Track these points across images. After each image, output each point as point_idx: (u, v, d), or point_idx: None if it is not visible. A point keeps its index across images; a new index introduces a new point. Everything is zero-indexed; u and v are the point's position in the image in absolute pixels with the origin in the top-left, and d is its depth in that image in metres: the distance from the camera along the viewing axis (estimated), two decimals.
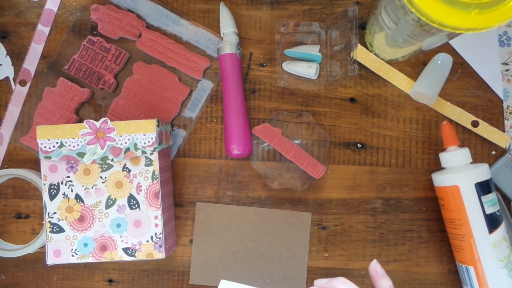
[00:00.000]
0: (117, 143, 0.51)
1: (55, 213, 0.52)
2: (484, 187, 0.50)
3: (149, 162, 0.52)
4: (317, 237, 0.57)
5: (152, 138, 0.51)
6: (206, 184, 0.58)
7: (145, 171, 0.52)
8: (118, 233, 0.52)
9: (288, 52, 0.57)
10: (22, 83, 0.59)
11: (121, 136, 0.51)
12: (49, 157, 0.52)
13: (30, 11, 0.59)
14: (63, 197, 0.52)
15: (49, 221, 0.52)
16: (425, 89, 0.55)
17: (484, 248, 0.50)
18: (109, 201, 0.52)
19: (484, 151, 0.57)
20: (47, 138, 0.52)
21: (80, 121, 0.58)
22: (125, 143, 0.51)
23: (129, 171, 0.52)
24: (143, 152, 0.51)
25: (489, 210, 0.50)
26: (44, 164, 0.52)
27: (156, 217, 0.52)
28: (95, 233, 0.52)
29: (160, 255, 0.52)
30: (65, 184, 0.52)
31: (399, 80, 0.57)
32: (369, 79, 0.57)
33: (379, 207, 0.57)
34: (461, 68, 0.57)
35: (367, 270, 0.57)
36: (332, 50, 0.56)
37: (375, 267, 0.42)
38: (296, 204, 0.57)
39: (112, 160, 0.51)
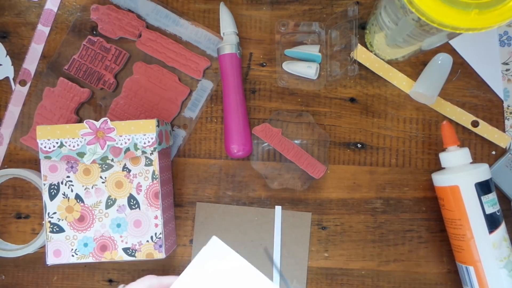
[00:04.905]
0: (117, 143, 0.51)
1: (55, 213, 0.52)
2: (484, 187, 0.50)
3: (149, 162, 0.52)
4: (317, 237, 0.57)
5: (152, 138, 0.51)
6: (206, 184, 0.58)
7: (145, 171, 0.52)
8: (118, 233, 0.52)
9: (288, 52, 0.57)
10: (22, 83, 0.59)
11: (121, 136, 0.51)
12: (49, 157, 0.52)
13: (30, 11, 0.59)
14: (63, 197, 0.52)
15: (49, 221, 0.52)
16: (425, 89, 0.55)
17: (484, 248, 0.50)
18: (109, 201, 0.52)
19: (484, 151, 0.57)
20: (47, 138, 0.52)
21: (80, 121, 0.58)
22: (125, 143, 0.51)
23: (129, 171, 0.52)
24: (143, 152, 0.51)
25: (489, 210, 0.50)
26: (44, 164, 0.52)
27: (156, 217, 0.52)
28: (95, 233, 0.52)
29: (160, 255, 0.52)
30: (65, 184, 0.52)
31: (399, 80, 0.57)
32: (369, 79, 0.57)
33: (379, 207, 0.57)
34: (461, 68, 0.57)
35: (367, 270, 0.57)
36: (332, 50, 0.56)
37: None
38: (296, 204, 0.57)
39: (112, 160, 0.51)
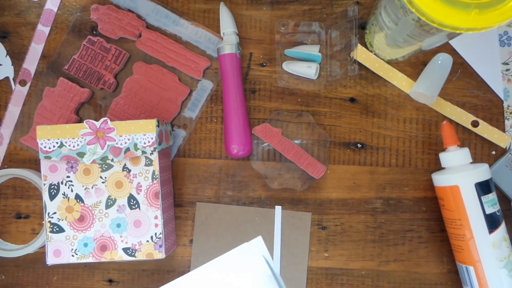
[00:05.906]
0: (117, 143, 0.51)
1: (55, 213, 0.52)
2: (484, 187, 0.50)
3: (149, 162, 0.52)
4: (317, 237, 0.57)
5: (152, 138, 0.51)
6: (206, 184, 0.58)
7: (145, 171, 0.52)
8: (118, 233, 0.52)
9: (288, 52, 0.57)
10: (22, 83, 0.59)
11: (121, 136, 0.51)
12: (49, 157, 0.52)
13: (30, 11, 0.59)
14: (63, 197, 0.52)
15: (49, 221, 0.52)
16: (425, 89, 0.55)
17: (484, 248, 0.50)
18: (109, 201, 0.52)
19: (484, 151, 0.57)
20: (47, 138, 0.52)
21: (80, 121, 0.58)
22: (125, 143, 0.51)
23: (129, 171, 0.52)
24: (143, 152, 0.51)
25: (489, 210, 0.50)
26: (44, 164, 0.52)
27: (156, 217, 0.52)
28: (95, 233, 0.52)
29: (160, 255, 0.52)
30: (65, 184, 0.52)
31: (399, 80, 0.57)
32: (369, 79, 0.57)
33: (379, 207, 0.57)
34: (461, 68, 0.57)
35: (367, 270, 0.57)
36: (332, 50, 0.56)
37: None
38: (296, 204, 0.57)
39: (112, 160, 0.51)
